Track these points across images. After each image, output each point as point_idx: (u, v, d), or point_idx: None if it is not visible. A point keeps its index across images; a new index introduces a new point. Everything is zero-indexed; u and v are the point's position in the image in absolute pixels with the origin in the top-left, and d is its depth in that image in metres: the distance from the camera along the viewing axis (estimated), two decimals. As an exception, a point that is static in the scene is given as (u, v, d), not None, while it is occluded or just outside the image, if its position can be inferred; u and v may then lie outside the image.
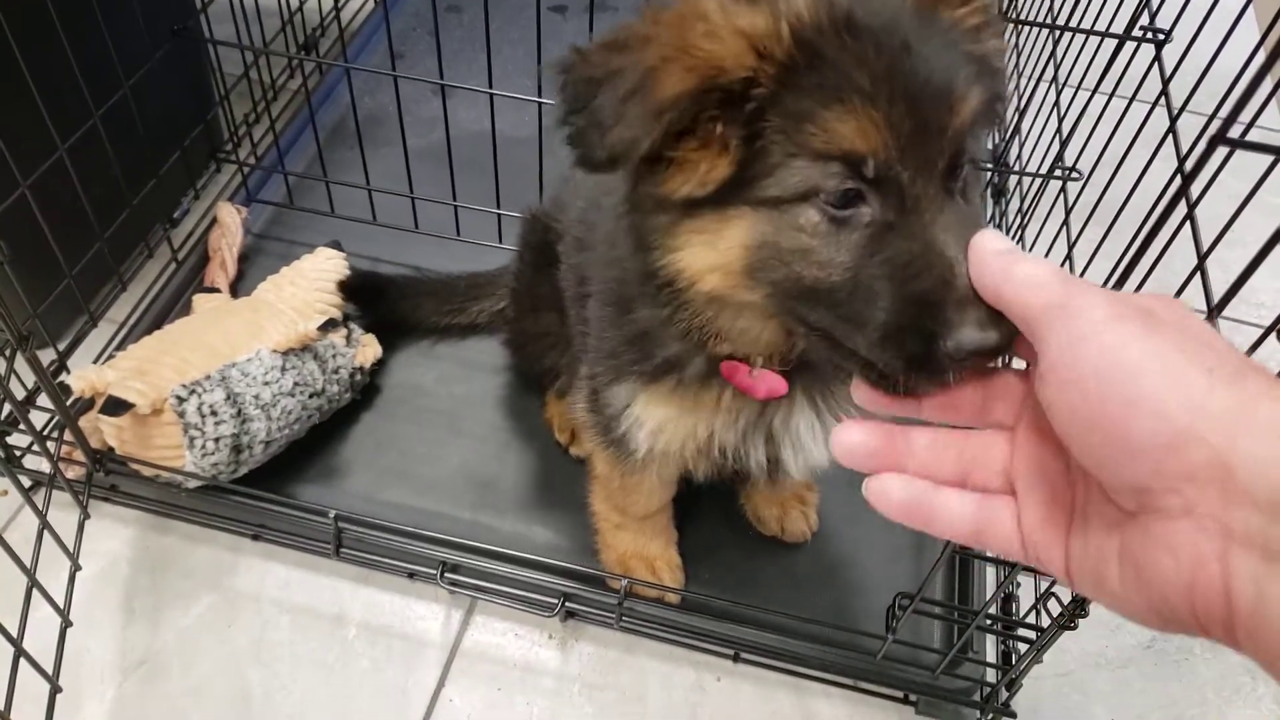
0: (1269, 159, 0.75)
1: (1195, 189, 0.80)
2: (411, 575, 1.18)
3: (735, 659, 1.14)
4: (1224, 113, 0.59)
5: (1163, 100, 0.99)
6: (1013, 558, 0.52)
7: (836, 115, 0.57)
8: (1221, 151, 0.71)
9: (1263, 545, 0.40)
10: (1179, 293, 0.84)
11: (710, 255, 0.65)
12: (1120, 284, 0.69)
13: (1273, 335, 0.65)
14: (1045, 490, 0.51)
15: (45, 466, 1.11)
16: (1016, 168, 1.57)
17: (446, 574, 1.13)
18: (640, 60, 0.58)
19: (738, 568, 1.21)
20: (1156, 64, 1.04)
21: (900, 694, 1.12)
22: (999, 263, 0.51)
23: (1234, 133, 0.58)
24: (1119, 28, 1.20)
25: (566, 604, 1.12)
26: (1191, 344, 0.43)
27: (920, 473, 0.54)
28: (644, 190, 0.65)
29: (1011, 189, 1.63)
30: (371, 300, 1.36)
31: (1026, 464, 0.52)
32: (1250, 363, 0.43)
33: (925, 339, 0.54)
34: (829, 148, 0.58)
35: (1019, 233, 1.50)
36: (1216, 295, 0.69)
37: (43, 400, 1.16)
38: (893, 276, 0.57)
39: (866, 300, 0.58)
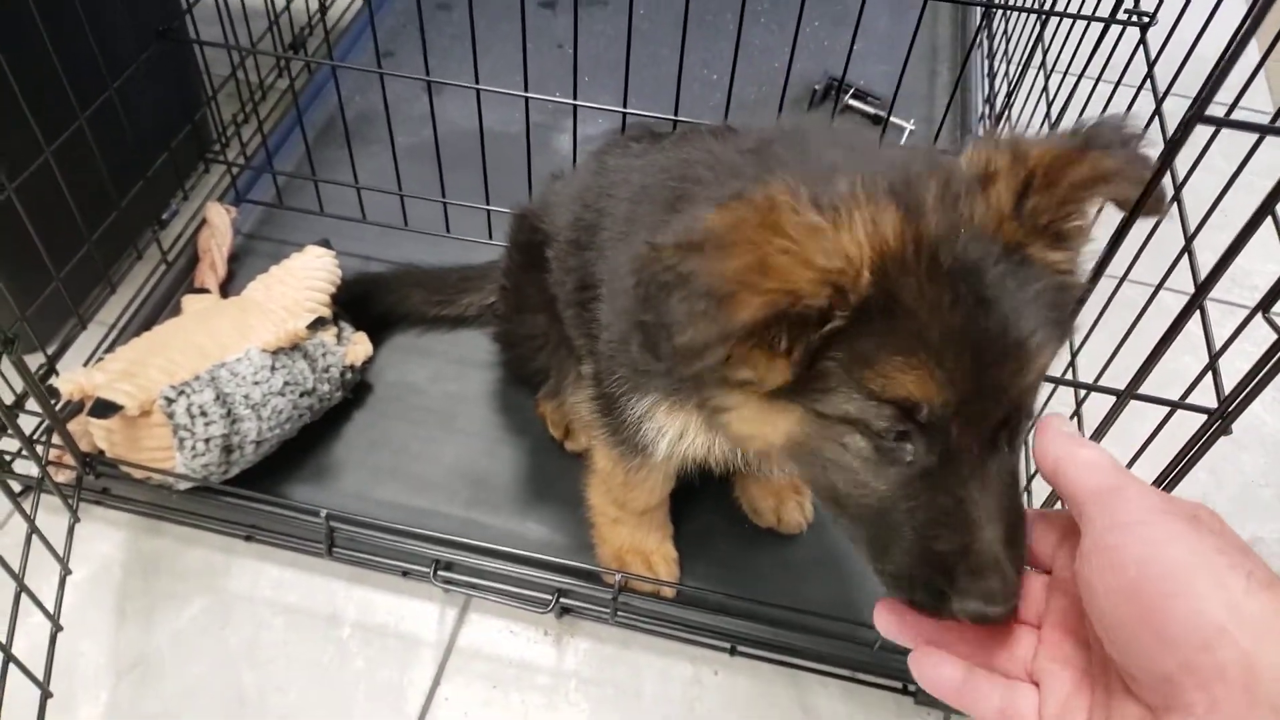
0: (1263, 144, 0.75)
1: (1181, 170, 0.80)
2: (405, 574, 1.17)
3: (732, 652, 1.14)
4: (1211, 94, 0.59)
5: (1148, 84, 0.98)
6: None
7: (899, 366, 0.56)
8: (1207, 134, 0.71)
9: None
10: (1167, 275, 0.84)
11: (756, 428, 0.65)
12: (1104, 264, 0.69)
13: (1260, 317, 0.65)
14: (1067, 686, 0.54)
15: (35, 471, 1.11)
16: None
17: (440, 572, 1.12)
18: (714, 270, 0.55)
19: (733, 560, 1.20)
20: (1141, 47, 1.03)
21: (899, 684, 1.12)
22: (1064, 444, 0.55)
23: (1222, 115, 0.58)
24: (1105, 11, 1.20)
25: (561, 600, 1.11)
26: (1233, 550, 0.46)
27: (956, 651, 0.59)
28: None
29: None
30: (361, 306, 1.35)
31: (1050, 659, 0.56)
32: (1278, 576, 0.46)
33: (936, 593, 0.58)
34: (885, 393, 0.57)
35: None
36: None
37: (32, 404, 1.16)
38: (919, 526, 0.59)
39: (891, 534, 0.60)
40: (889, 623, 0.62)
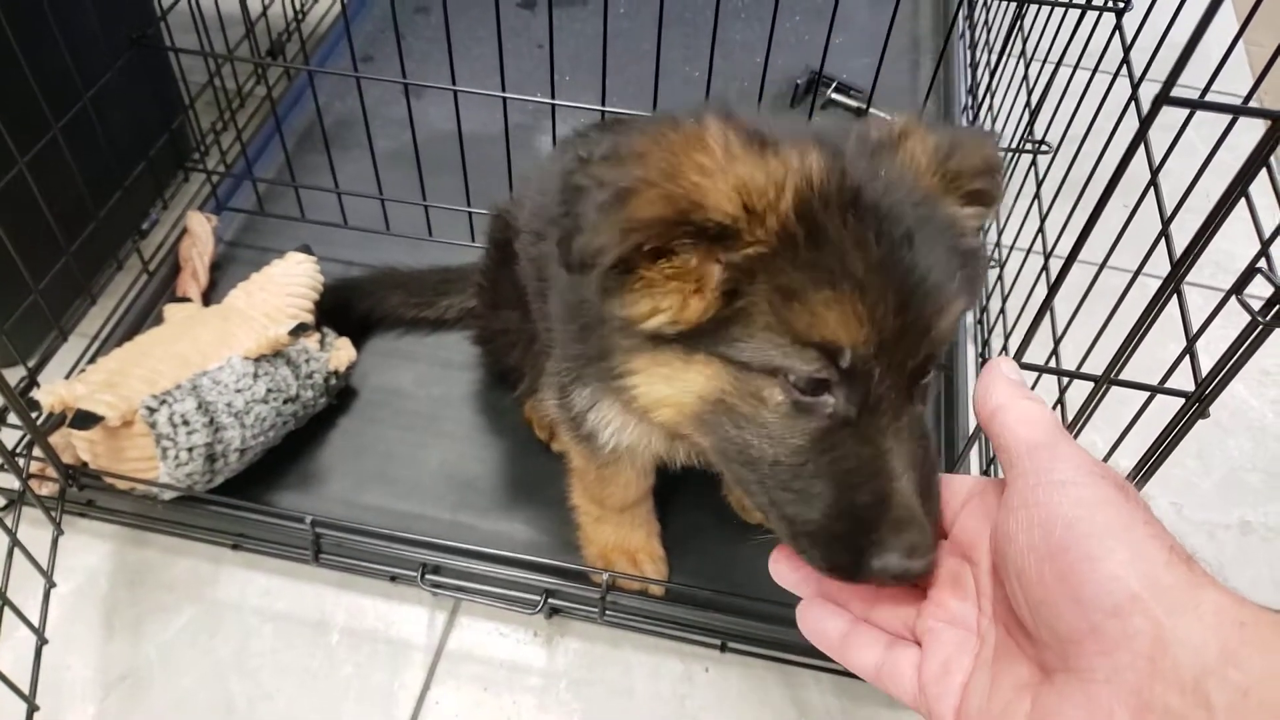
0: (1244, 129, 0.74)
1: (1157, 153, 0.79)
2: (393, 578, 1.17)
3: (723, 648, 1.13)
4: (1185, 78, 0.59)
5: (1124, 70, 0.98)
6: (905, 702, 0.55)
7: (825, 300, 0.56)
8: (1180, 117, 0.71)
9: None
10: (1145, 259, 0.84)
11: (666, 391, 0.64)
12: (1080, 245, 0.69)
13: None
14: (950, 646, 0.54)
15: (17, 484, 1.10)
16: (989, 145, 1.56)
17: (428, 575, 1.12)
18: (627, 176, 0.56)
19: (722, 556, 1.20)
20: (1117, 32, 1.03)
21: (890, 676, 1.12)
22: (1008, 390, 0.55)
23: (1195, 98, 0.58)
24: (1082, -1, 1.20)
25: (550, 600, 1.11)
26: (1156, 522, 0.46)
27: (833, 597, 0.61)
28: (611, 309, 0.62)
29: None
30: (341, 311, 1.35)
31: (935, 619, 0.56)
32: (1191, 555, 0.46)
33: (854, 551, 0.56)
34: (810, 332, 0.56)
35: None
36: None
37: (12, 418, 1.15)
38: (837, 479, 0.57)
39: (807, 490, 0.58)
40: (785, 571, 0.63)
